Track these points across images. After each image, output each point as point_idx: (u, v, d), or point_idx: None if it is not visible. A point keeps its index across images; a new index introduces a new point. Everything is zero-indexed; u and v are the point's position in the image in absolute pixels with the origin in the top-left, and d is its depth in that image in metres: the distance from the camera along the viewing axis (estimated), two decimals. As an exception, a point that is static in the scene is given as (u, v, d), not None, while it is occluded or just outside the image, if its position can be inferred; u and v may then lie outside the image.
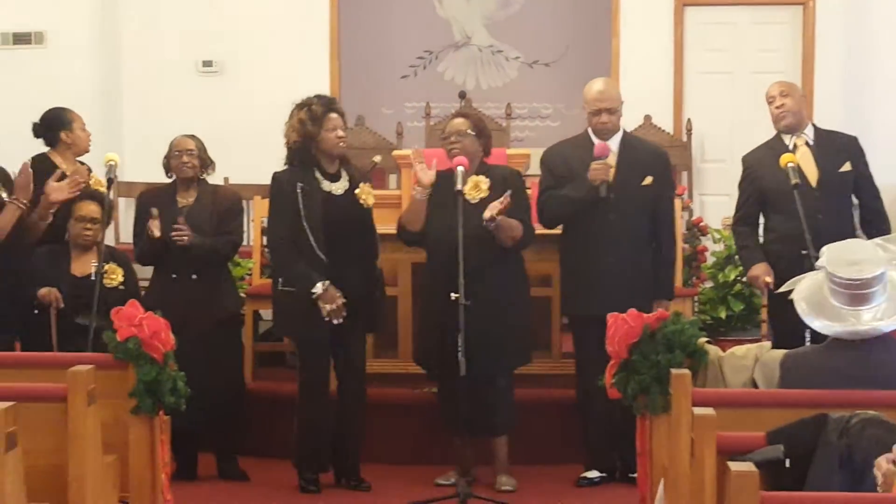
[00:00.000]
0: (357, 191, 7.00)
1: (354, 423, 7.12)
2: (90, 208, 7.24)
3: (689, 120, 11.21)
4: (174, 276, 7.24)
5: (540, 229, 7.24)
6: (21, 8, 11.67)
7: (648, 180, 7.10)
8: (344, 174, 7.06)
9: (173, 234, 7.07)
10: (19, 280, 7.02)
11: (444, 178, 6.93)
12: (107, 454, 5.28)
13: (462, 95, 11.04)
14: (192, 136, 7.41)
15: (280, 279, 7.05)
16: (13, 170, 7.24)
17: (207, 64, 11.60)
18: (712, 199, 11.14)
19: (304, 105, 6.98)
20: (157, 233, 7.09)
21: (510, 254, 7.00)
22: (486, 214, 6.71)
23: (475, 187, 6.88)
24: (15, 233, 6.81)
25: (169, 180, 7.47)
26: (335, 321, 6.85)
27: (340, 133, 6.97)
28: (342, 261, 6.89)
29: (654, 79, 11.18)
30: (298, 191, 6.87)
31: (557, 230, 7.34)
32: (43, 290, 6.97)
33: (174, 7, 11.58)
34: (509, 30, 11.76)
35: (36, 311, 7.03)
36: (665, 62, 11.39)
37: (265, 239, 8.38)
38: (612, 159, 7.03)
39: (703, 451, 4.39)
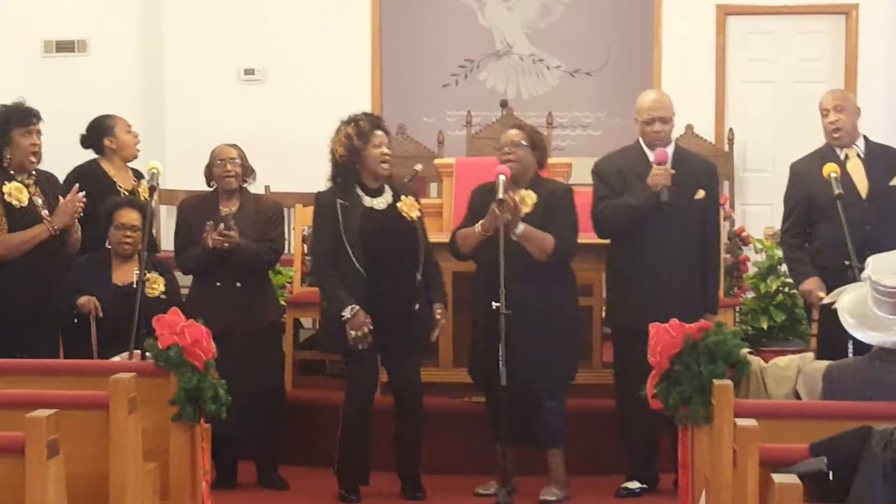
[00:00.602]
0: (399, 204, 6.99)
1: (413, 434, 7.10)
2: (130, 216, 7.25)
3: (730, 129, 11.16)
4: (218, 283, 7.25)
5: (584, 238, 7.19)
6: (64, 16, 11.76)
7: (701, 194, 7.06)
8: (387, 189, 7.03)
9: (217, 235, 7.08)
10: (52, 293, 7.07)
11: (481, 195, 6.95)
12: (148, 461, 5.30)
13: (503, 104, 11.03)
14: (234, 146, 7.42)
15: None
16: (61, 177, 7.30)
17: (249, 72, 11.63)
18: (754, 208, 11.09)
19: (352, 120, 6.98)
20: (210, 243, 7.10)
21: (558, 268, 6.96)
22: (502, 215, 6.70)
23: (521, 202, 6.87)
24: (46, 250, 6.87)
25: (210, 189, 7.47)
26: (360, 346, 6.86)
27: (385, 150, 6.95)
28: (382, 275, 6.88)
29: (696, 88, 11.13)
30: (338, 207, 6.87)
31: (602, 240, 7.30)
32: (82, 299, 6.98)
33: (216, 15, 11.62)
34: (551, 38, 11.76)
35: (75, 320, 7.05)
36: (707, 71, 11.35)
37: (306, 247, 8.40)
38: (671, 169, 7.00)
39: (746, 462, 4.37)
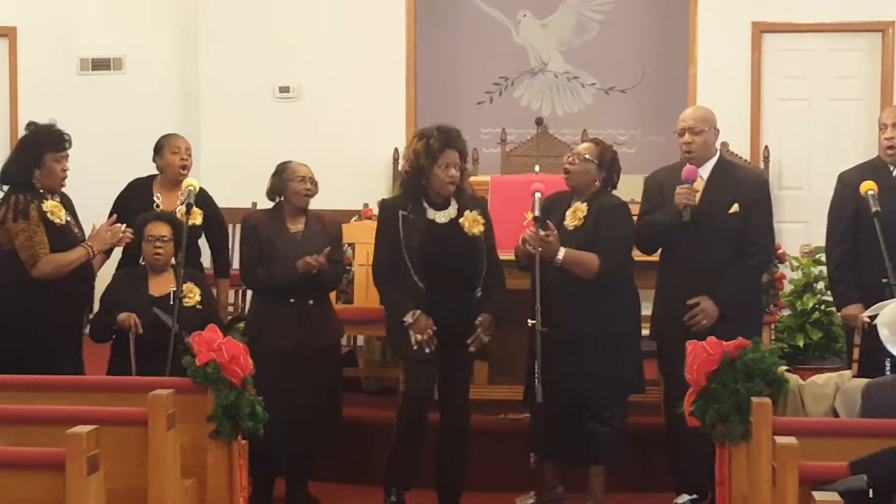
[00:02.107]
0: (461, 219, 6.90)
1: (455, 454, 7.03)
2: (160, 228, 7.29)
3: (766, 147, 11.14)
4: (292, 300, 7.21)
5: (639, 255, 7.17)
6: (100, 34, 11.81)
7: (735, 208, 6.98)
8: (453, 203, 6.94)
9: (309, 260, 7.05)
10: (80, 310, 7.13)
11: (548, 203, 6.92)
12: (185, 478, 5.31)
13: (539, 122, 11.01)
14: (304, 164, 7.41)
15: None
16: (96, 194, 7.33)
17: (284, 90, 11.67)
18: (789, 226, 11.03)
19: (424, 136, 6.87)
20: (312, 270, 7.07)
21: (609, 286, 6.85)
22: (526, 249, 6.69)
23: (573, 214, 6.85)
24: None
25: (272, 204, 7.43)
26: (426, 350, 6.80)
27: (452, 172, 6.81)
28: (442, 289, 6.80)
29: (731, 105, 11.08)
30: (400, 218, 6.82)
31: (652, 257, 7.28)
32: (122, 316, 7.01)
33: (252, 33, 11.67)
34: (585, 56, 11.76)
35: (114, 336, 7.08)
36: (742, 89, 11.33)
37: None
38: (699, 184, 6.96)
39: (786, 480, 4.36)
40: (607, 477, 6.98)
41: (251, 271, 7.27)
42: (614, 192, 7.01)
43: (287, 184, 7.28)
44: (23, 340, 6.79)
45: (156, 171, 7.98)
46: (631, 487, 7.35)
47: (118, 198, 7.85)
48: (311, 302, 7.19)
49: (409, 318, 6.75)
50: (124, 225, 7.10)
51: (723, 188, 6.99)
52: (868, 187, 6.90)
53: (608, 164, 6.99)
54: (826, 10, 11.28)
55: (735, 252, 6.96)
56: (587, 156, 6.92)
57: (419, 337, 6.75)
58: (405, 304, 6.77)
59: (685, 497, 7.08)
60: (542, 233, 6.64)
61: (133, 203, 7.56)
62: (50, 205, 6.91)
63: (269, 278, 7.18)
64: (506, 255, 7.12)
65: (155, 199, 7.79)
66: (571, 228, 6.81)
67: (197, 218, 7.57)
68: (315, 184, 7.32)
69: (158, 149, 7.94)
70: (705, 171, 7.02)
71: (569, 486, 7.13)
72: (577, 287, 6.72)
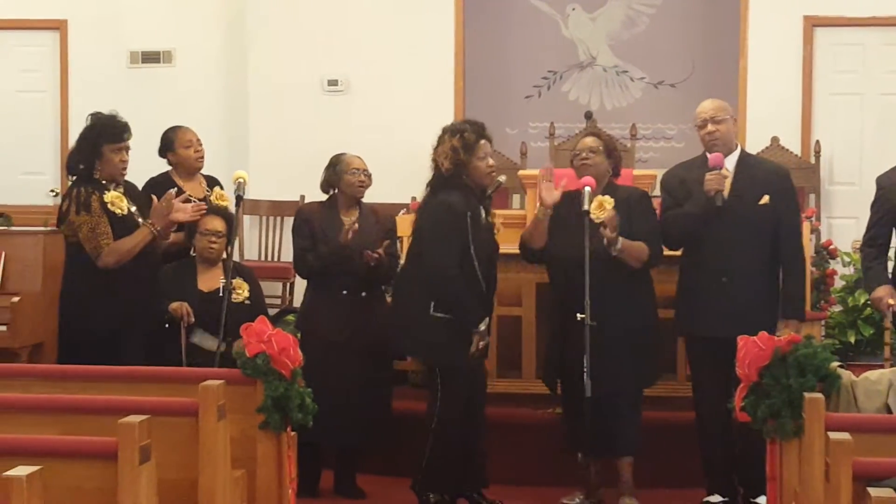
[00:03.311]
0: (493, 220, 6.97)
1: (480, 442, 7.03)
2: (215, 223, 7.32)
3: (817, 141, 11.06)
4: (345, 292, 7.25)
5: (666, 251, 7.16)
6: (150, 27, 11.89)
7: (765, 199, 6.95)
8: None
9: (369, 253, 7.10)
10: (146, 298, 7.15)
11: (568, 197, 6.90)
12: (235, 469, 5.32)
13: (588, 115, 10.98)
14: (357, 156, 7.43)
15: (433, 304, 6.82)
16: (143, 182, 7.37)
17: (333, 83, 11.66)
18: (840, 221, 10.96)
19: (457, 131, 6.90)
20: (348, 237, 7.10)
21: (636, 273, 6.91)
22: (606, 234, 6.66)
23: (599, 207, 6.82)
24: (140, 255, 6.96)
25: (327, 196, 7.48)
26: (480, 357, 6.87)
27: (491, 161, 6.89)
28: (491, 290, 6.92)
29: (782, 100, 11.05)
30: (468, 219, 6.77)
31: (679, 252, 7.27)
32: (174, 304, 7.04)
33: (300, 26, 11.67)
34: (634, 50, 11.70)
35: (167, 325, 7.10)
36: (793, 83, 11.24)
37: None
38: (726, 173, 6.94)
39: (840, 476, 4.32)
40: (637, 469, 7.04)
41: (303, 261, 7.31)
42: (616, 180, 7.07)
43: (342, 176, 7.31)
44: (88, 332, 6.83)
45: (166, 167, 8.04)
46: (664, 482, 7.37)
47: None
48: (363, 294, 7.22)
49: (482, 326, 6.76)
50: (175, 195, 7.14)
51: (751, 180, 6.98)
52: None
53: (614, 152, 7.09)
54: (879, 4, 11.17)
55: (770, 245, 6.97)
56: (599, 148, 6.98)
57: (482, 344, 6.78)
58: (479, 312, 6.78)
59: (717, 497, 7.07)
60: (609, 227, 6.67)
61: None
62: (111, 195, 6.95)
63: (317, 261, 7.23)
64: (512, 249, 7.25)
65: (185, 192, 7.82)
66: (599, 221, 6.77)
67: (225, 201, 7.63)
68: (369, 175, 7.36)
69: (168, 144, 7.96)
70: (730, 162, 7.02)
71: (606, 482, 7.13)
72: (603, 278, 6.68)
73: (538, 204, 7.00)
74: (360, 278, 7.17)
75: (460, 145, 6.80)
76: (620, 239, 6.71)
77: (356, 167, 7.32)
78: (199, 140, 8.03)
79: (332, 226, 7.22)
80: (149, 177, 7.85)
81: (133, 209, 7.06)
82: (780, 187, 7.09)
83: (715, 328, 6.50)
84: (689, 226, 6.99)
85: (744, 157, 7.17)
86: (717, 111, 7.08)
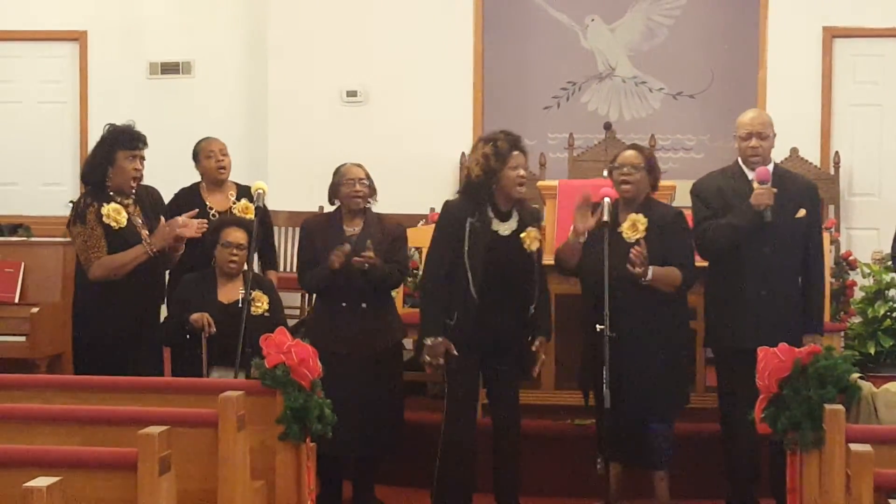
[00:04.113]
0: (522, 234, 6.88)
1: (506, 456, 7.00)
2: (237, 235, 7.30)
3: (836, 153, 11.03)
4: (344, 304, 7.25)
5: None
6: (170, 38, 11.93)
7: (802, 213, 6.98)
8: (515, 214, 6.92)
9: (356, 259, 7.09)
10: (152, 311, 7.19)
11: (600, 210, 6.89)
12: (255, 479, 5.32)
13: (607, 126, 10.98)
14: (360, 165, 7.43)
15: None
16: (165, 197, 7.38)
17: (352, 94, 11.67)
18: (860, 233, 10.94)
19: (491, 140, 6.87)
20: (336, 265, 7.12)
21: (667, 293, 6.85)
22: (635, 271, 6.65)
23: (632, 227, 6.81)
24: (146, 268, 6.97)
25: (333, 207, 7.49)
26: (428, 371, 6.96)
27: (522, 172, 6.82)
28: (496, 303, 6.78)
29: (801, 111, 11.03)
30: (467, 226, 6.78)
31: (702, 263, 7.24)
32: (195, 315, 7.03)
33: (320, 37, 11.69)
34: (653, 61, 11.70)
35: (188, 336, 7.11)
36: (813, 94, 11.23)
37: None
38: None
39: (861, 487, 4.31)
40: (671, 482, 6.99)
41: (301, 276, 7.42)
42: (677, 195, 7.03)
43: (339, 187, 7.33)
44: (104, 343, 6.84)
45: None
46: (689, 494, 7.33)
47: (167, 208, 7.86)
48: (364, 305, 7.21)
49: (428, 342, 6.77)
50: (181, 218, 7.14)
51: (788, 193, 6.98)
52: None
53: (654, 167, 7.04)
54: (898, 15, 11.18)
55: (802, 257, 7.01)
56: (640, 164, 6.94)
57: (429, 360, 6.81)
58: (434, 329, 6.78)
59: None
60: (637, 262, 6.65)
61: (187, 210, 7.56)
62: (109, 208, 6.92)
63: (312, 279, 7.33)
64: (549, 260, 7.19)
65: (207, 203, 7.83)
66: (632, 241, 6.77)
67: (250, 214, 7.64)
68: (367, 185, 7.33)
69: (195, 156, 8.02)
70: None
71: (633, 494, 7.10)
72: (638, 294, 6.69)
73: (572, 229, 6.94)
74: (359, 289, 7.17)
75: (492, 153, 6.78)
76: (651, 269, 6.69)
77: (352, 177, 7.33)
78: (222, 151, 8.04)
79: (334, 238, 7.22)
80: (166, 187, 7.86)
81: (140, 221, 7.04)
82: (813, 202, 7.13)
83: (754, 340, 6.45)
84: (733, 238, 6.96)
85: (779, 170, 7.17)
86: (764, 127, 7.07)
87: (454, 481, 6.94)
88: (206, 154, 7.99)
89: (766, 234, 6.88)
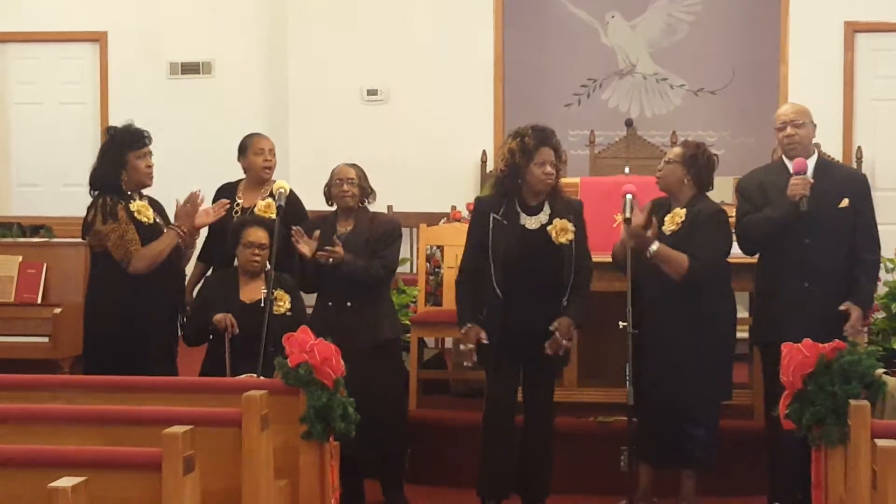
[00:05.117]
0: (549, 227, 6.79)
1: (536, 456, 6.94)
2: (258, 234, 7.30)
3: (858, 147, 11.01)
4: (330, 303, 7.26)
5: (734, 258, 7.08)
6: (190, 38, 11.94)
7: (845, 202, 6.88)
8: (546, 208, 6.82)
9: (320, 253, 7.10)
10: (174, 308, 7.20)
11: (651, 208, 6.85)
12: (278, 479, 5.32)
13: (629, 123, 10.98)
14: (354, 165, 7.40)
15: None
16: (185, 197, 7.37)
17: (372, 92, 11.70)
18: (883, 227, 10.74)
19: (519, 135, 6.79)
20: (306, 251, 7.13)
21: (713, 288, 6.82)
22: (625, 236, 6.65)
23: (671, 220, 6.80)
24: (167, 265, 6.99)
25: (331, 208, 7.50)
26: (465, 363, 6.90)
27: (549, 169, 6.72)
28: (522, 297, 6.71)
29: (823, 106, 10.89)
30: (491, 221, 6.77)
31: (745, 259, 7.20)
32: (218, 316, 7.03)
33: (340, 36, 11.71)
34: (674, 57, 11.70)
35: (211, 336, 7.11)
36: (835, 89, 11.22)
37: (429, 266, 8.40)
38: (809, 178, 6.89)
39: (887, 483, 4.29)
40: (698, 480, 6.94)
41: (296, 272, 7.41)
42: (709, 193, 6.95)
43: (330, 187, 7.35)
44: (117, 341, 6.85)
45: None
46: (721, 491, 7.28)
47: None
48: (348, 304, 7.20)
49: (462, 330, 6.75)
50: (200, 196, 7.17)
51: (831, 183, 6.91)
52: None
53: (693, 162, 6.91)
54: (920, 9, 11.15)
55: (848, 248, 6.92)
56: (671, 158, 6.92)
57: (462, 347, 6.81)
58: (467, 315, 6.77)
59: None
60: (639, 226, 6.64)
61: None
62: (137, 205, 6.97)
63: (294, 277, 7.37)
64: (597, 257, 7.04)
65: (238, 199, 7.83)
66: (668, 233, 6.76)
67: (271, 213, 7.64)
68: (356, 185, 7.30)
69: (243, 149, 7.97)
70: (809, 167, 6.93)
71: (659, 491, 7.07)
72: (674, 291, 6.67)
73: (622, 231, 6.88)
74: (346, 289, 7.17)
75: (518, 149, 6.74)
76: (655, 244, 6.67)
77: (340, 177, 7.32)
78: (272, 150, 8.02)
79: (328, 237, 7.23)
80: (190, 187, 7.84)
81: (159, 220, 7.08)
82: (859, 191, 7.04)
83: (799, 334, 6.39)
84: (770, 231, 6.90)
85: (822, 161, 7.11)
86: (797, 115, 7.02)
87: (494, 473, 6.87)
88: (256, 150, 7.94)
89: (806, 226, 6.80)
